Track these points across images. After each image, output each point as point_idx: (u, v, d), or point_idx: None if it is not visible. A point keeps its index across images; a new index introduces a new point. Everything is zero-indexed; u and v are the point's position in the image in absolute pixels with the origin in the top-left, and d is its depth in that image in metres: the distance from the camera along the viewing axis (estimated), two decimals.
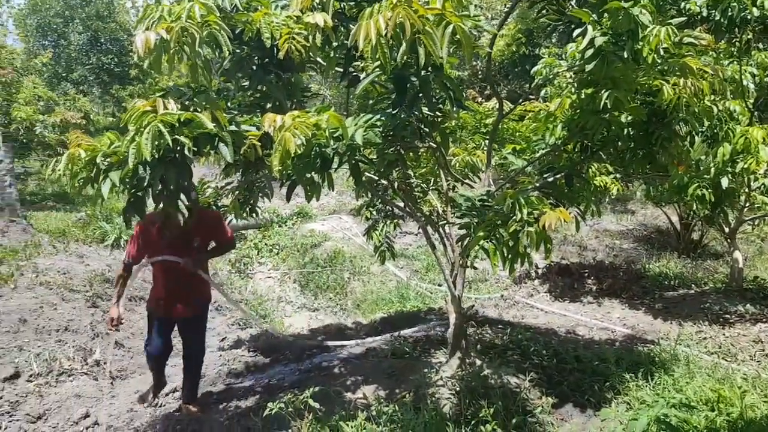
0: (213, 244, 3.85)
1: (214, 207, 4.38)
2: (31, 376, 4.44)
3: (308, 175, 2.89)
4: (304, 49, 2.70)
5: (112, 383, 4.66)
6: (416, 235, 9.66)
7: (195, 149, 2.50)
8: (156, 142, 2.31)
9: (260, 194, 4.22)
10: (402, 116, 2.79)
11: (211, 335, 5.84)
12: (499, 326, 5.15)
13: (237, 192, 4.30)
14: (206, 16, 2.61)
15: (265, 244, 10.02)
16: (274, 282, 8.85)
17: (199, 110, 2.62)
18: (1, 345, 4.92)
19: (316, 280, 8.35)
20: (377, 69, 2.48)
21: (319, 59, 3.13)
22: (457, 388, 3.54)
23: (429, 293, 7.52)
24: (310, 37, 2.70)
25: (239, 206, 4.31)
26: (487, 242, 2.68)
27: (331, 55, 3.11)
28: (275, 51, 2.82)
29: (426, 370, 3.92)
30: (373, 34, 2.10)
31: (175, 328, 3.91)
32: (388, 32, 2.09)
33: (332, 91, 14.27)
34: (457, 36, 2.20)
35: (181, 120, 2.45)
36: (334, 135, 2.71)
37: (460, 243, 3.41)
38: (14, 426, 3.81)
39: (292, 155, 2.49)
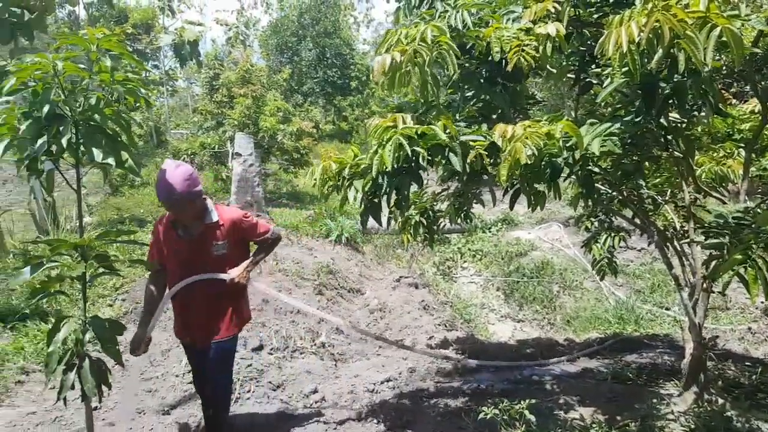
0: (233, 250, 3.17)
1: (430, 212, 4.57)
2: (271, 349, 5.07)
3: (535, 185, 2.87)
4: (533, 59, 2.68)
5: (335, 364, 5.10)
6: (639, 251, 8.83)
7: (429, 159, 2.67)
8: (396, 154, 2.53)
9: (473, 200, 4.31)
10: (642, 123, 2.59)
11: (419, 332, 6.10)
12: (746, 363, 4.44)
13: (452, 198, 4.44)
14: (438, 37, 2.75)
15: (469, 249, 10.12)
16: (477, 288, 8.92)
17: (432, 123, 2.79)
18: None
19: (521, 290, 8.17)
20: (623, 76, 2.34)
21: (548, 67, 3.08)
22: (692, 426, 3.16)
23: (653, 316, 6.82)
24: (540, 48, 2.67)
25: (454, 212, 4.45)
26: (745, 268, 2.34)
27: (563, 62, 3.02)
28: (503, 63, 2.85)
29: (654, 401, 3.58)
30: (624, 42, 2.00)
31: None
32: (642, 39, 1.97)
33: (543, 93, 13.84)
34: (724, 38, 1.97)
35: (418, 133, 2.64)
36: (567, 144, 2.64)
37: (705, 265, 3.04)
38: (260, 391, 4.36)
39: (522, 165, 2.50)
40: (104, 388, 2.62)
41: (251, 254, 3.32)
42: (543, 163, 2.65)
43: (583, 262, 8.70)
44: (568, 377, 4.38)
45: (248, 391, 4.36)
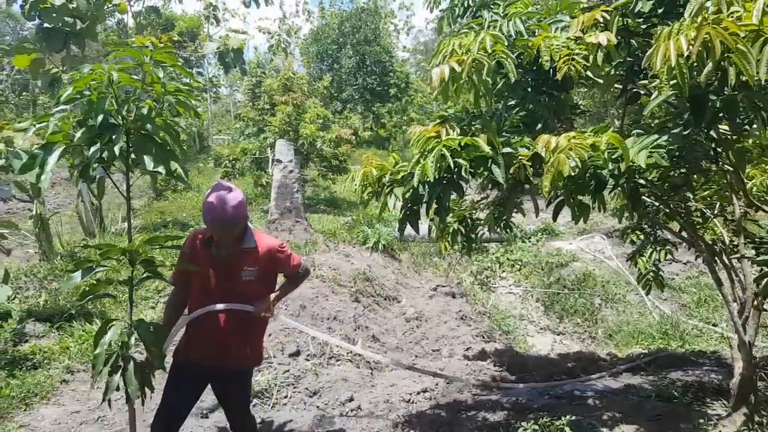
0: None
1: (469, 220, 4.53)
2: (308, 355, 5.08)
3: (579, 197, 2.81)
4: (583, 69, 2.64)
5: (371, 373, 5.08)
6: (686, 264, 8.54)
7: (472, 171, 2.65)
8: (438, 164, 2.53)
9: (514, 209, 4.25)
10: (690, 136, 2.52)
11: (456, 343, 6.04)
12: None
13: (492, 206, 4.40)
14: (494, 46, 2.74)
15: (507, 258, 9.96)
16: (516, 299, 8.77)
17: (476, 134, 2.78)
18: (286, 326, 5.85)
19: (561, 302, 7.99)
20: (671, 89, 2.28)
21: (594, 77, 3.02)
22: None
23: (699, 332, 6.58)
24: (591, 57, 2.63)
25: (494, 221, 4.39)
26: None
27: (611, 72, 2.96)
28: (551, 72, 2.81)
29: (701, 421, 3.45)
30: (672, 55, 1.95)
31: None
32: (692, 53, 1.91)
33: (586, 102, 13.57)
34: None
35: (461, 144, 2.64)
36: (612, 156, 2.58)
37: (756, 282, 2.92)
38: (297, 397, 4.40)
39: (565, 177, 2.46)
40: (147, 390, 2.69)
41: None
42: (587, 174, 2.60)
43: (626, 275, 8.46)
44: (610, 393, 4.27)
45: (285, 397, 4.40)
